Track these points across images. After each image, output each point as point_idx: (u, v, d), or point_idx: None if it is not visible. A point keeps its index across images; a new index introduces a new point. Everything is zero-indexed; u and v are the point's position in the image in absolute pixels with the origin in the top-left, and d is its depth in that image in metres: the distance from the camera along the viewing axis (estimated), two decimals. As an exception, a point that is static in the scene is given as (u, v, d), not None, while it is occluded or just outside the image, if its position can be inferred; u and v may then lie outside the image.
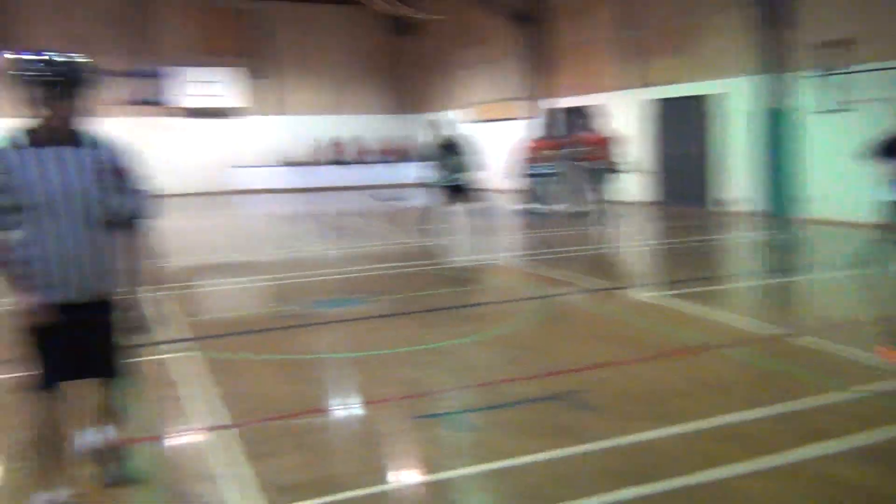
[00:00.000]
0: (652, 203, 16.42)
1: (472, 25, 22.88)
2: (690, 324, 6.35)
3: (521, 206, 15.38)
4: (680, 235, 12.17)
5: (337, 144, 25.95)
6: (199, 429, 4.31)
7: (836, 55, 11.99)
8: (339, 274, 9.33)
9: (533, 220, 14.52)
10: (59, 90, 2.97)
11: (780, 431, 3.89)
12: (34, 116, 3.03)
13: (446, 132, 10.97)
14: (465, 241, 10.83)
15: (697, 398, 4.45)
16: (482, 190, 11.68)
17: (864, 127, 10.76)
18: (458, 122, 12.56)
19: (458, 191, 10.72)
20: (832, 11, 12.22)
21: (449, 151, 10.69)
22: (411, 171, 23.73)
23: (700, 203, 15.40)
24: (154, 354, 5.66)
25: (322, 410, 4.56)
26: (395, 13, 21.80)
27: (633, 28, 17.08)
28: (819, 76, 12.23)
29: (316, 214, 17.97)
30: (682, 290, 7.70)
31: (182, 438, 4.27)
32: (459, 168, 10.60)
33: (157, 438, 4.21)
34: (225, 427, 4.25)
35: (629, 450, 3.72)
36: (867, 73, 11.56)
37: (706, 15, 14.88)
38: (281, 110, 26.20)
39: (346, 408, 4.71)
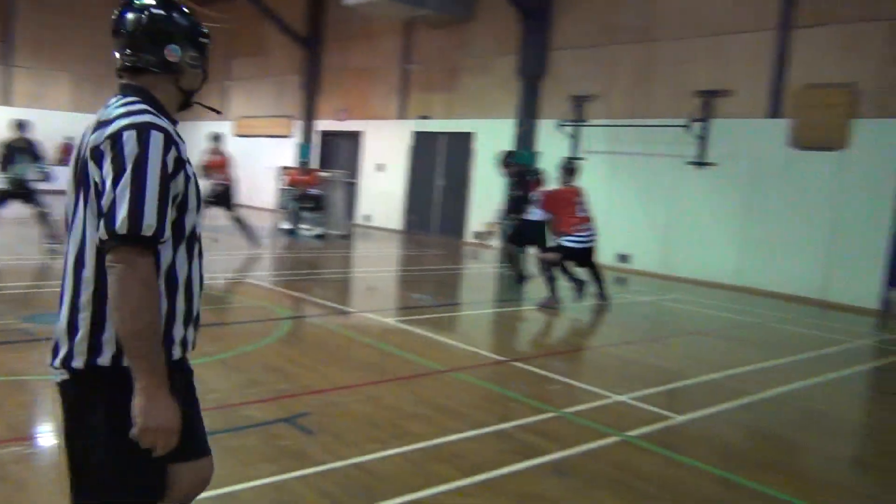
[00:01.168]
0: (405, 231, 17.04)
1: (250, 37, 21.56)
2: (429, 348, 6.51)
3: (279, 226, 15.06)
4: (425, 263, 12.40)
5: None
6: None
7: (580, 109, 13.35)
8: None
9: (289, 240, 14.19)
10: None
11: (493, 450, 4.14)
12: (175, 89, 2.09)
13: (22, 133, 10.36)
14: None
15: (427, 420, 4.56)
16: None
17: (594, 174, 12.31)
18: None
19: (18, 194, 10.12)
20: (578, 70, 13.57)
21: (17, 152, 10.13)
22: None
23: (456, 234, 15.99)
24: None
25: (10, 441, 3.80)
26: None
27: (412, 62, 17.23)
28: (564, 126, 13.41)
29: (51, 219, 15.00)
30: (421, 317, 7.87)
31: None
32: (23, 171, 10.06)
33: None
34: None
35: (349, 472, 3.77)
36: (599, 127, 13.05)
37: (479, 56, 15.55)
38: (19, 102, 22.50)
39: (43, 437, 3.99)
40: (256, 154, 21.83)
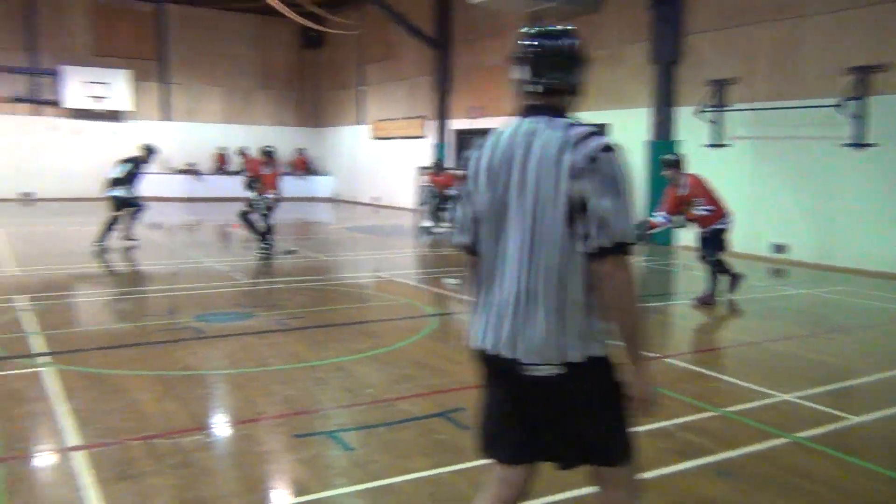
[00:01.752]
0: None
1: (381, 42, 22.42)
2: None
3: (420, 225, 15.55)
4: None
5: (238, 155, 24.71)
6: (61, 448, 3.86)
7: (720, 94, 12.72)
8: (227, 287, 8.75)
9: (429, 238, 14.57)
10: None
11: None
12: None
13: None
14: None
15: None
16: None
17: (740, 161, 12.36)
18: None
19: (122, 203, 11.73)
20: (716, 53, 13.01)
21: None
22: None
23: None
24: (22, 368, 5.27)
25: (195, 429, 4.12)
26: (308, 25, 20.75)
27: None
28: (704, 112, 12.77)
29: (209, 225, 16.54)
30: None
31: (43, 458, 3.82)
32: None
33: (19, 457, 3.74)
34: (85, 447, 3.83)
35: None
36: (742, 111, 12.47)
37: (610, 45, 14.98)
38: (177, 116, 24.38)
39: (221, 427, 4.32)
40: (392, 156, 22.45)
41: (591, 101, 15.66)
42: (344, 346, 6.10)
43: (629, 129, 14.61)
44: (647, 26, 14.25)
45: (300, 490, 3.48)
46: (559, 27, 2.27)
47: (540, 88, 2.22)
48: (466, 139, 19.99)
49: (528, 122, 2.21)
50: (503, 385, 2.27)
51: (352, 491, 3.48)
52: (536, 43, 2.23)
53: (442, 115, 20.21)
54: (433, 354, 5.96)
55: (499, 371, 2.24)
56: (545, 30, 2.25)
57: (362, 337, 6.52)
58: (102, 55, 22.99)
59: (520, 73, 2.25)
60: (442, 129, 20.25)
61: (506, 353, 2.17)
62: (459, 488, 3.50)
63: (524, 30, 2.27)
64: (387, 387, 5.06)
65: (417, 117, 21.43)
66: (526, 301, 2.14)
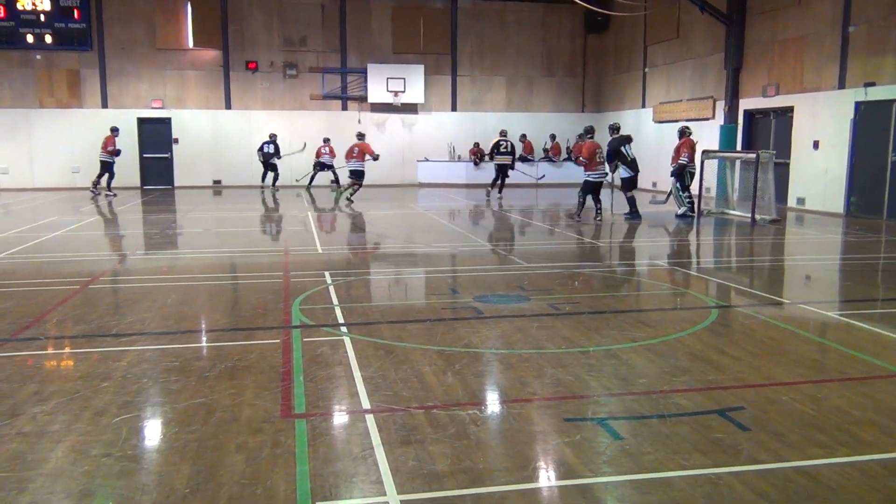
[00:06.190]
0: (847, 215, 15.40)
1: (669, 21, 21.82)
2: (883, 347, 5.73)
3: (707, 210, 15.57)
4: (870, 251, 11.18)
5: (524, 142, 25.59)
6: (354, 410, 4.31)
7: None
8: (506, 270, 9.12)
9: (717, 225, 14.43)
10: None
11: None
12: None
13: None
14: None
15: (883, 429, 4.01)
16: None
17: None
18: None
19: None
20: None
21: None
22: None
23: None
24: (326, 336, 5.90)
25: (469, 404, 4.36)
26: (594, 10, 20.85)
27: (853, 23, 15.15)
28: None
29: (488, 210, 17.42)
30: (871, 311, 7.10)
31: (339, 417, 4.25)
32: None
33: (319, 415, 4.22)
34: (374, 411, 4.24)
35: (789, 476, 3.46)
36: None
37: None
38: (462, 107, 25.93)
39: (493, 403, 4.47)
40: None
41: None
42: (618, 334, 6.02)
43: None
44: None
45: (568, 473, 3.50)
46: None
47: None
48: (759, 119, 18.56)
49: None
50: None
51: (622, 480, 3.42)
52: None
53: (733, 94, 18.91)
54: (712, 348, 5.64)
55: None
56: None
57: (637, 325, 6.37)
58: (400, 52, 24.94)
59: None
60: (734, 110, 18.95)
61: None
62: (738, 492, 3.28)
63: None
64: (661, 378, 4.89)
65: (705, 98, 20.32)
66: None
